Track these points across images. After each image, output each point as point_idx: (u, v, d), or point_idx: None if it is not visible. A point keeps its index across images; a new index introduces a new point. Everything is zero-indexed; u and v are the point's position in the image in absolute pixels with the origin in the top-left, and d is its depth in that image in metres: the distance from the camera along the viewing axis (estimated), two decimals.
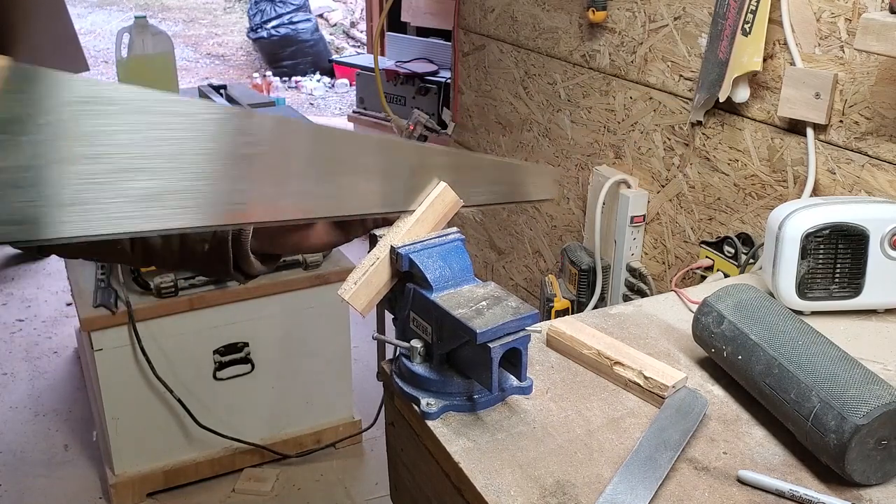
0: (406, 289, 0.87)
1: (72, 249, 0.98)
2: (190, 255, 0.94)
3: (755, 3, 1.39)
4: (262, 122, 0.73)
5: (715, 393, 0.95)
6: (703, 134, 1.61)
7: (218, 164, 0.71)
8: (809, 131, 1.36)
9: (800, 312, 1.07)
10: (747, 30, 1.42)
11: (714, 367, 0.99)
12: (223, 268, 0.93)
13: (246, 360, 2.18)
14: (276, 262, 0.98)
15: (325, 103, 6.27)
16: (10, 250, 3.50)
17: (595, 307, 1.86)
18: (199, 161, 0.69)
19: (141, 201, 0.66)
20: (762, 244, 1.31)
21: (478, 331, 0.78)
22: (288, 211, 0.78)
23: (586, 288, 1.86)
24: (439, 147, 0.96)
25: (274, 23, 6.49)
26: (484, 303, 0.83)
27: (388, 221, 0.90)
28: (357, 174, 0.83)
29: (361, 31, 7.40)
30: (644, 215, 1.79)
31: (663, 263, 1.78)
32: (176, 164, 0.67)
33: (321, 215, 0.82)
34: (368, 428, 2.38)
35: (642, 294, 1.79)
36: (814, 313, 1.10)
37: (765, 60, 1.43)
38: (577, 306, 1.87)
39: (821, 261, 1.08)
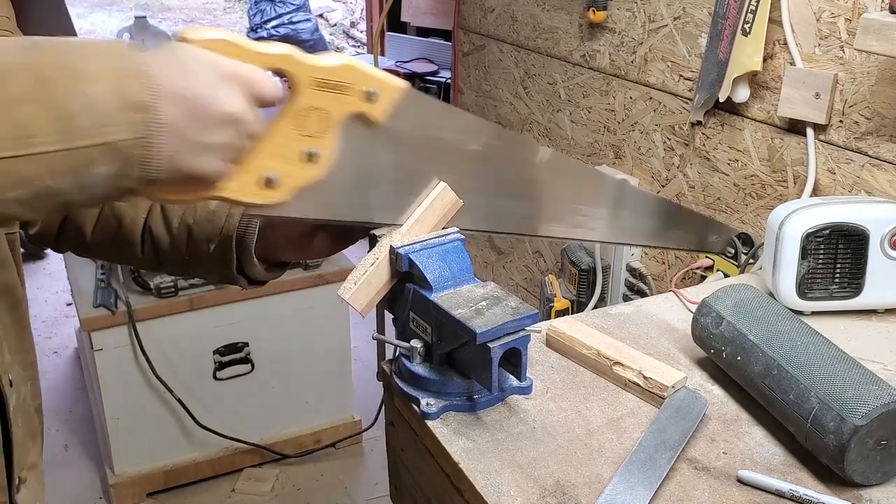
0: (406, 289, 0.87)
1: (92, 250, 0.98)
2: (196, 255, 0.94)
3: (755, 3, 1.39)
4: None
5: (715, 393, 0.95)
6: (703, 134, 1.61)
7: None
8: (809, 131, 1.36)
9: (800, 312, 1.07)
10: (747, 30, 1.42)
11: (714, 367, 0.99)
12: (227, 270, 0.93)
13: (246, 360, 2.19)
14: (282, 271, 0.97)
15: None
16: None
17: (595, 307, 1.85)
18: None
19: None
20: (762, 244, 1.31)
21: (477, 331, 0.78)
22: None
23: (586, 288, 1.86)
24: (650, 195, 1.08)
25: (274, 23, 6.47)
26: (484, 303, 0.82)
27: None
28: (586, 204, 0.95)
29: (361, 31, 7.40)
30: None
31: (663, 263, 1.78)
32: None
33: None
34: (368, 428, 2.38)
35: (642, 294, 1.79)
36: (814, 313, 1.10)
37: (765, 60, 1.43)
38: (577, 306, 1.87)
39: (821, 261, 1.08)
